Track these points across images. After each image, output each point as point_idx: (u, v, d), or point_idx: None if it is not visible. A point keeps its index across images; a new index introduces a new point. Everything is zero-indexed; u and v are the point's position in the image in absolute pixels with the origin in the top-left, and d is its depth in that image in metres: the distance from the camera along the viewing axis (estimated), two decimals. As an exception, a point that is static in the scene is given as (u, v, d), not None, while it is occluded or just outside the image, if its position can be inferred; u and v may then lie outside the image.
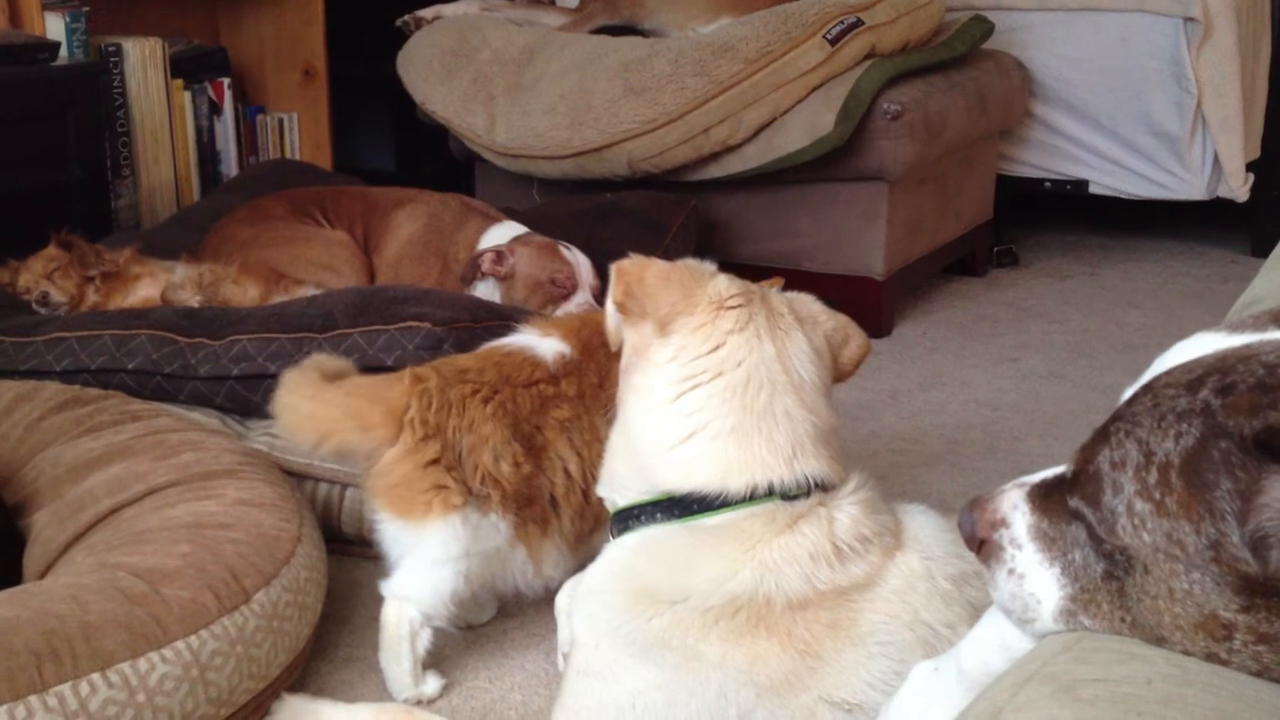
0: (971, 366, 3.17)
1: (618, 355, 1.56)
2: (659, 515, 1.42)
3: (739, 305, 1.44)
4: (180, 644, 1.47)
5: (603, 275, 2.76)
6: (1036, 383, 3.05)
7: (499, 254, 2.74)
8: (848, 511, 1.41)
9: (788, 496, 1.38)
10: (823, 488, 1.41)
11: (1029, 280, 3.98)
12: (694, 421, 1.40)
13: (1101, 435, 0.82)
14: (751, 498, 1.38)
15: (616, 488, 1.49)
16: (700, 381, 1.41)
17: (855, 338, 1.57)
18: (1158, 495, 0.76)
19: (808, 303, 1.55)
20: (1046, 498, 0.87)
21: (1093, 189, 4.03)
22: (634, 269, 1.47)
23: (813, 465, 1.41)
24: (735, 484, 1.38)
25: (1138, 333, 3.43)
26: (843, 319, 1.57)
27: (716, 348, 1.41)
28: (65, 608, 1.45)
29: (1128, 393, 0.84)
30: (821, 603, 1.35)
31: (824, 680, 1.34)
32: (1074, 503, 0.83)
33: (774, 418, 1.40)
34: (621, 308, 1.47)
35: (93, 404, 2.07)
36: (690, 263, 1.52)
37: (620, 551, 1.46)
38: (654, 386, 1.43)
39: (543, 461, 1.75)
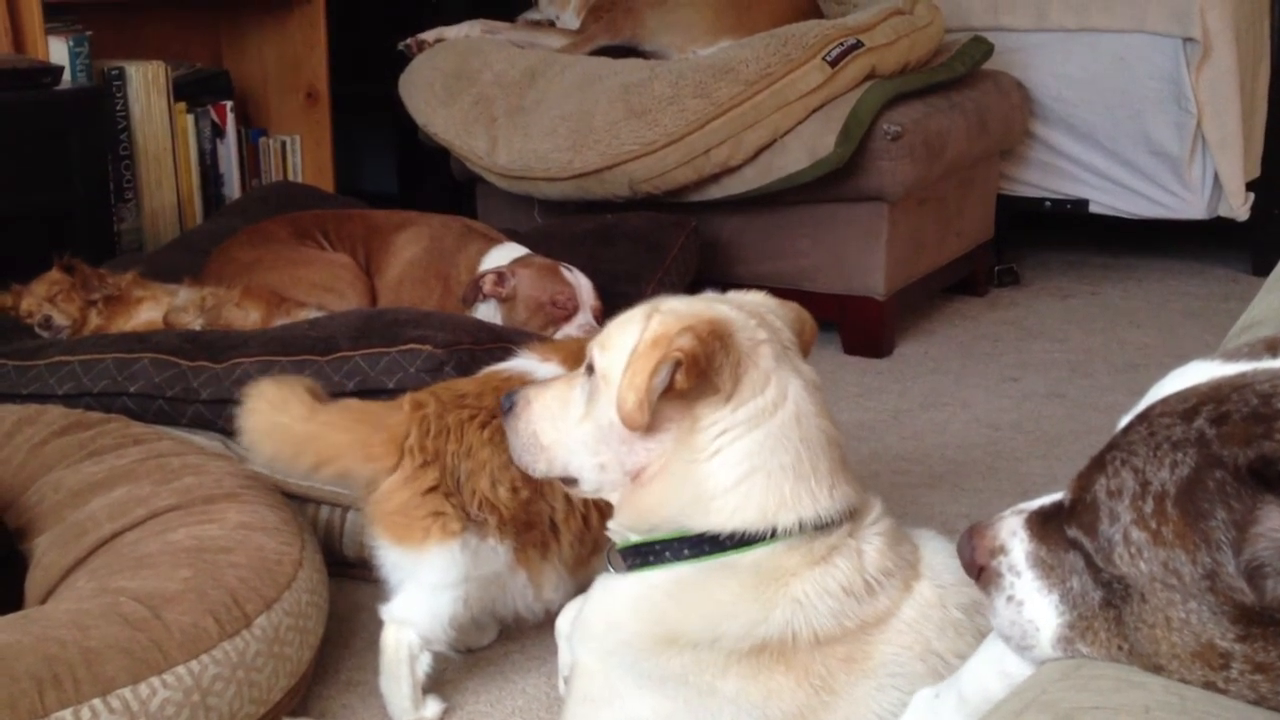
0: (972, 386, 3.17)
1: None
2: (686, 552, 1.36)
3: (767, 339, 1.39)
4: (181, 669, 1.47)
5: (604, 296, 2.77)
6: (1037, 402, 3.05)
7: (500, 275, 2.75)
8: (873, 543, 1.37)
9: (820, 527, 1.34)
10: (853, 515, 1.38)
11: (1030, 299, 3.98)
12: (752, 463, 1.33)
13: (1098, 464, 0.82)
14: (796, 531, 1.33)
15: (639, 532, 1.41)
16: (758, 423, 1.34)
17: (806, 319, 1.51)
18: (1154, 524, 0.76)
19: (762, 301, 1.48)
20: (1044, 525, 0.88)
21: (1093, 208, 4.04)
22: (698, 345, 1.31)
23: (847, 491, 1.38)
24: (784, 519, 1.33)
25: (1139, 352, 3.43)
26: (791, 305, 1.50)
27: (766, 387, 1.35)
28: (66, 633, 1.45)
29: (1124, 420, 0.84)
30: (843, 638, 1.33)
31: (835, 713, 1.32)
32: (1071, 531, 0.83)
33: (821, 445, 1.36)
34: (681, 392, 1.32)
35: (95, 428, 2.07)
36: (704, 302, 1.43)
37: (644, 589, 1.39)
38: (703, 440, 1.34)
39: (542, 486, 1.75)
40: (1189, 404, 0.78)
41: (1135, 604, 0.79)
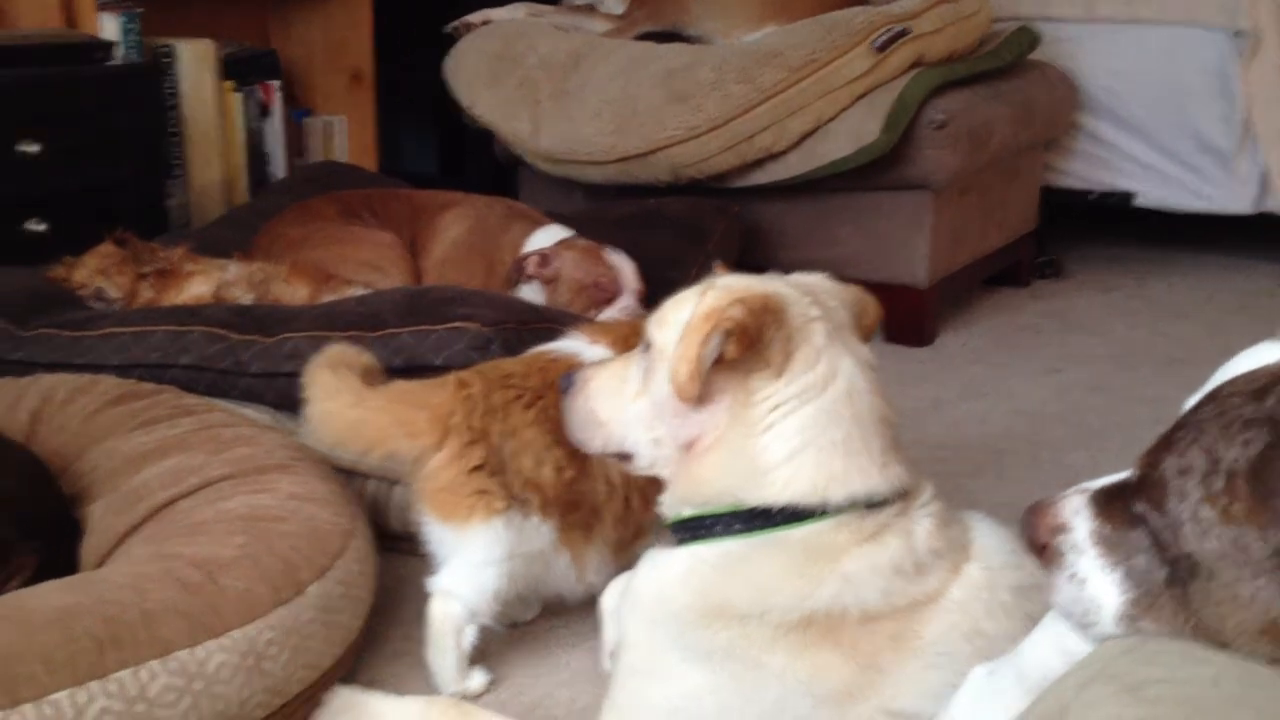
0: (1014, 377, 3.16)
1: None
2: (737, 527, 1.38)
3: (821, 316, 1.40)
4: (237, 633, 1.49)
5: (647, 280, 2.78)
6: (1079, 394, 3.04)
7: (544, 257, 2.76)
8: (924, 524, 1.39)
9: (871, 505, 1.36)
10: (904, 495, 1.39)
11: (1072, 292, 3.97)
12: (804, 438, 1.35)
13: (1166, 442, 0.83)
14: (847, 507, 1.35)
15: (691, 505, 1.43)
16: (809, 398, 1.36)
17: (869, 303, 1.52)
18: (1224, 502, 0.77)
19: (821, 283, 1.49)
20: (1109, 503, 0.88)
21: (1138, 201, 4.01)
22: (748, 317, 1.33)
23: (899, 471, 1.40)
24: (836, 495, 1.35)
25: (1182, 346, 3.41)
26: (852, 288, 1.52)
27: (818, 363, 1.37)
28: (125, 595, 1.48)
29: (1191, 400, 0.85)
30: (891, 616, 1.34)
31: (882, 691, 1.33)
32: (1138, 508, 0.84)
33: (873, 423, 1.38)
34: (733, 364, 1.35)
35: (147, 398, 2.10)
36: (760, 280, 1.45)
37: (695, 563, 1.41)
38: (756, 414, 1.36)
39: (586, 468, 1.77)
40: (1259, 384, 0.79)
41: (1202, 581, 0.80)
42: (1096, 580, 0.88)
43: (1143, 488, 0.84)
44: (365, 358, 1.88)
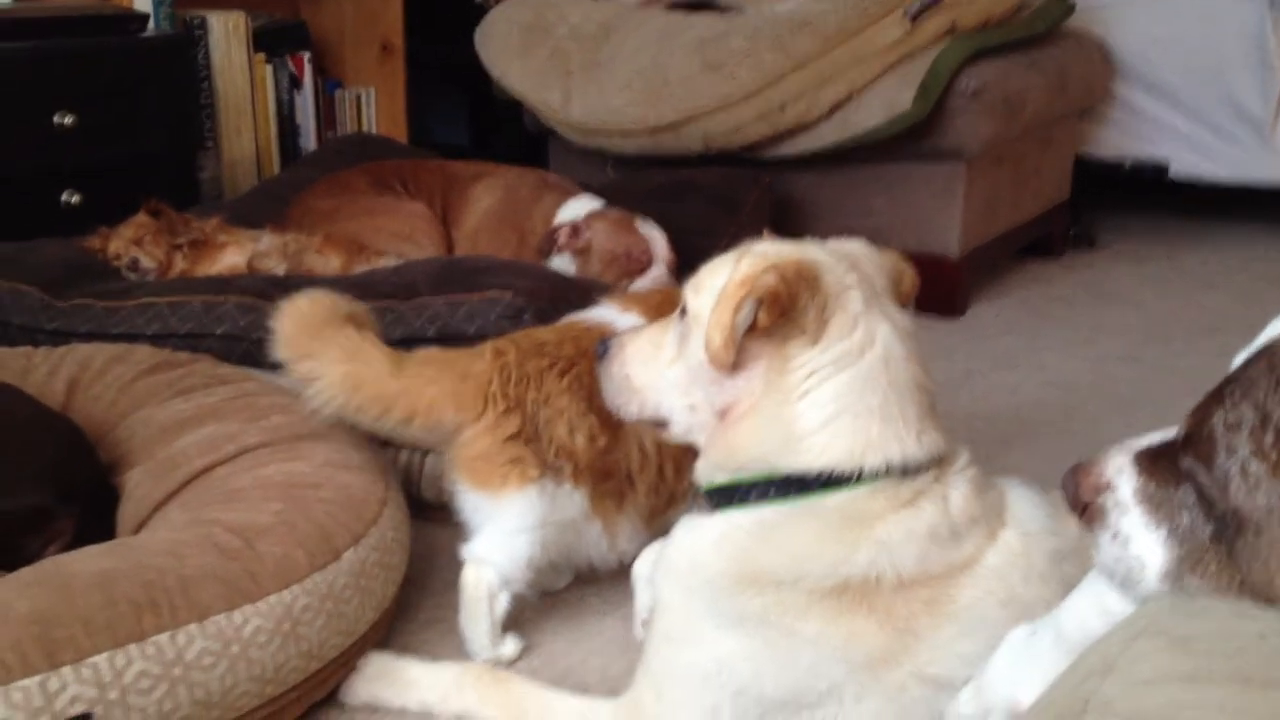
0: (1046, 348, 3.14)
1: None
2: (773, 493, 1.37)
3: (857, 282, 1.39)
4: (273, 598, 1.51)
5: (678, 250, 2.77)
6: (1112, 365, 3.02)
7: (575, 228, 2.76)
8: (960, 490, 1.38)
9: (907, 471, 1.35)
10: (940, 461, 1.39)
11: (1105, 262, 3.93)
12: (840, 404, 1.34)
13: (1215, 397, 0.82)
14: (883, 474, 1.34)
15: (726, 472, 1.43)
16: (845, 365, 1.35)
17: (906, 269, 1.51)
18: (1274, 457, 0.76)
19: (859, 249, 1.47)
20: (1154, 461, 0.88)
21: (1174, 171, 3.97)
22: (781, 284, 1.32)
23: (935, 438, 1.39)
24: (871, 461, 1.34)
25: (1216, 316, 3.38)
26: (889, 254, 1.50)
27: (854, 330, 1.36)
28: (163, 560, 1.49)
29: (1241, 356, 0.84)
30: (926, 582, 1.34)
31: (917, 657, 1.33)
32: (1185, 464, 0.83)
33: (910, 390, 1.37)
34: (767, 330, 1.34)
35: (183, 367, 2.11)
36: (796, 246, 1.43)
37: (730, 529, 1.40)
38: (792, 381, 1.35)
39: (620, 436, 1.77)
40: (1311, 339, 0.78)
41: (1249, 536, 0.79)
42: (1141, 538, 0.87)
43: (1190, 443, 0.83)
44: (348, 303, 1.83)
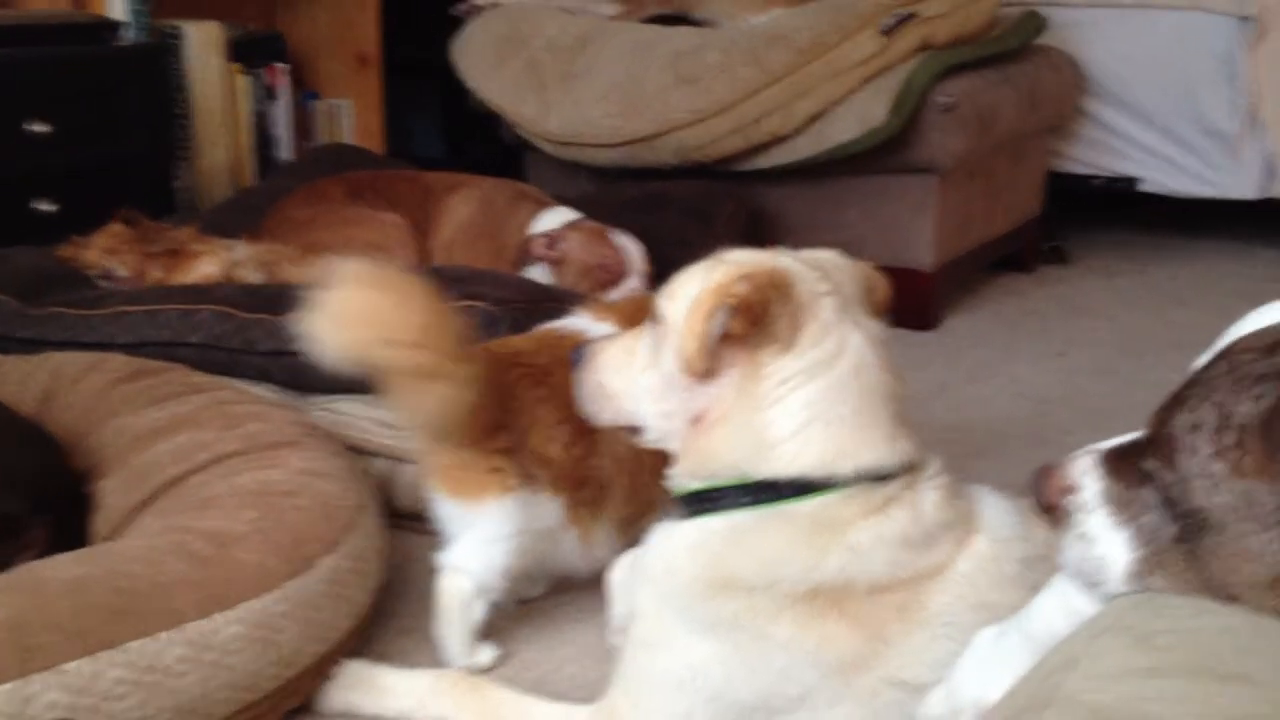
0: (1019, 361, 3.17)
1: None
2: (745, 499, 1.38)
3: (829, 291, 1.40)
4: (248, 605, 1.50)
5: (653, 262, 2.78)
6: (1084, 378, 3.04)
7: (551, 239, 2.77)
8: (930, 497, 1.39)
9: (878, 478, 1.37)
10: (911, 469, 1.40)
11: (1077, 278, 3.97)
12: (812, 412, 1.35)
13: (1177, 399, 0.83)
14: (855, 480, 1.35)
15: (699, 478, 1.43)
16: (817, 373, 1.36)
17: (878, 279, 1.52)
18: (1234, 456, 0.78)
19: (831, 259, 1.49)
20: (1118, 462, 0.89)
21: (1143, 187, 4.02)
22: (754, 292, 1.33)
23: (906, 445, 1.40)
24: (843, 468, 1.35)
25: (1186, 331, 3.41)
26: (861, 265, 1.52)
27: (826, 339, 1.37)
28: (137, 567, 1.49)
29: (1201, 359, 0.85)
30: (897, 587, 1.35)
31: (889, 662, 1.34)
32: (1148, 465, 0.85)
33: (881, 398, 1.38)
34: (740, 339, 1.35)
35: (158, 375, 2.11)
36: (769, 255, 1.44)
37: (704, 535, 1.41)
38: (764, 389, 1.36)
39: (594, 445, 1.77)
40: (1270, 340, 0.80)
41: (1212, 536, 0.80)
42: (1106, 538, 0.89)
43: (1153, 445, 0.85)
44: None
